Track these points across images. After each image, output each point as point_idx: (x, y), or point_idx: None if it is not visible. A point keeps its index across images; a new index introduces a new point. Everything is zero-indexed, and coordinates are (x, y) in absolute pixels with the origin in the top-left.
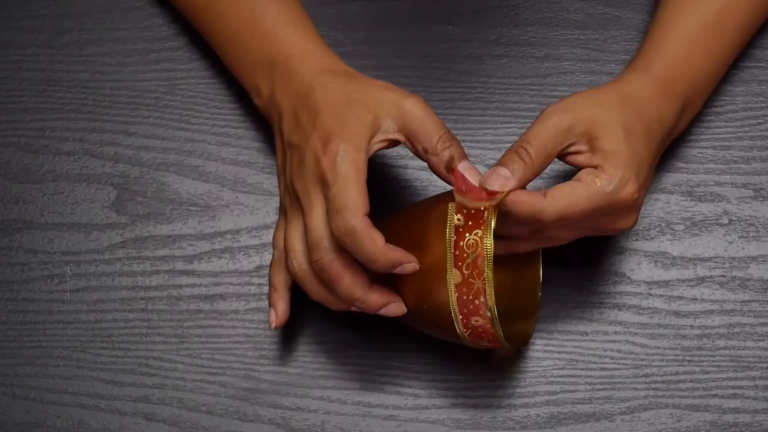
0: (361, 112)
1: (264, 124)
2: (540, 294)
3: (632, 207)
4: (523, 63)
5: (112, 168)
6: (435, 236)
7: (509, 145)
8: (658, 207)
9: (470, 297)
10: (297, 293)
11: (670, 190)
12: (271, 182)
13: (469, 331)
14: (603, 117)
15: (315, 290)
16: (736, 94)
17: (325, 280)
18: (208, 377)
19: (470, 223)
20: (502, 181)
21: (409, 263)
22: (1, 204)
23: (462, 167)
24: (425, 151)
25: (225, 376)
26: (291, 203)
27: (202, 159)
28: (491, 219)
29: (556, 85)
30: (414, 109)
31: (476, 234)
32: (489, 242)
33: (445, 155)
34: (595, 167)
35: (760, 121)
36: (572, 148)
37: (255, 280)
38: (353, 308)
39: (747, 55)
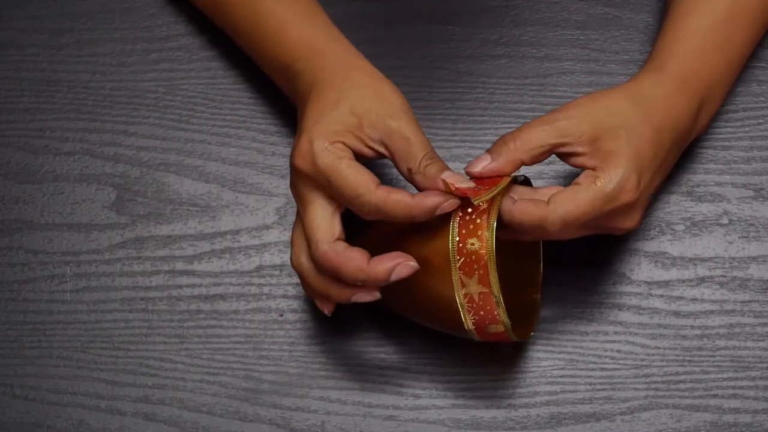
0: (344, 112)
1: (264, 125)
2: (539, 296)
3: (633, 206)
4: (524, 63)
5: (112, 168)
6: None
7: None
8: (658, 207)
9: (470, 227)
10: (295, 294)
11: (670, 190)
12: (271, 182)
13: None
14: (606, 119)
15: (316, 283)
16: (736, 94)
17: (327, 270)
18: (208, 377)
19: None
20: (482, 162)
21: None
22: (1, 204)
23: (445, 176)
24: (409, 171)
25: (225, 376)
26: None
27: (202, 159)
28: (497, 201)
29: (557, 85)
30: (401, 129)
31: (481, 201)
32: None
33: (429, 170)
34: (594, 168)
35: (760, 121)
36: (572, 149)
37: (255, 280)
38: (355, 299)
39: None
